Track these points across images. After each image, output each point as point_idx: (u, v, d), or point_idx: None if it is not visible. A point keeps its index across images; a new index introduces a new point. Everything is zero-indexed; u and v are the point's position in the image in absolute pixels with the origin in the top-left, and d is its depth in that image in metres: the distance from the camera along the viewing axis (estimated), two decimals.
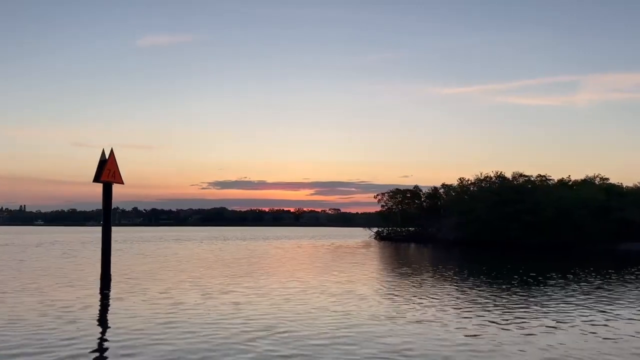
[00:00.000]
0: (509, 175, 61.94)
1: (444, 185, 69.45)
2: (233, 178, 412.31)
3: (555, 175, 62.37)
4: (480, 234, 52.10)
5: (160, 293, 16.81)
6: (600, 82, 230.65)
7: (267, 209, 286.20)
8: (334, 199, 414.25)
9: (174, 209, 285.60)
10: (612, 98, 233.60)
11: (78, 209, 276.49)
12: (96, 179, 19.61)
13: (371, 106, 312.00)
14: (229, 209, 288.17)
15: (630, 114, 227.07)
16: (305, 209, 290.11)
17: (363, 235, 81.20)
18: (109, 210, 20.10)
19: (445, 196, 65.91)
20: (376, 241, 68.97)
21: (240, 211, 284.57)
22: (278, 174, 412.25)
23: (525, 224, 50.32)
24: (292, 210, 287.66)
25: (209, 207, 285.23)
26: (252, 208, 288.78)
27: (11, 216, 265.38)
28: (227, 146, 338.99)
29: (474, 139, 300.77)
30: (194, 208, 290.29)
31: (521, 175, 61.89)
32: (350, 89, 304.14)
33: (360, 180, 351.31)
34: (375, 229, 76.74)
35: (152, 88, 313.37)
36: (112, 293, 16.98)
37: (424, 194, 69.53)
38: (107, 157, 19.94)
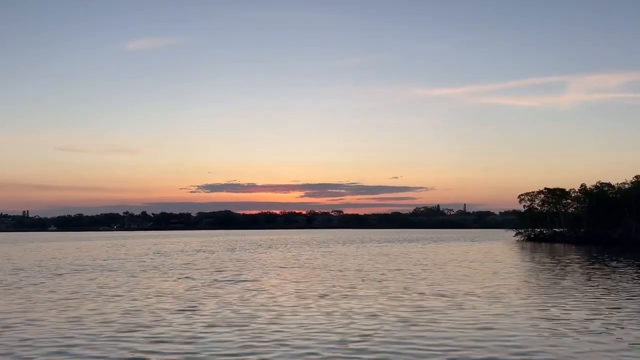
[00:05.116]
0: None
1: (596, 187, 69.25)
2: (222, 181, 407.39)
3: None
4: None
5: None
6: (584, 83, 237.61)
7: (279, 212, 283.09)
8: (324, 200, 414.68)
9: (183, 212, 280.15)
10: (594, 99, 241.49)
11: (85, 214, 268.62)
12: None
13: (359, 108, 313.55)
14: (233, 212, 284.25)
15: (614, 114, 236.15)
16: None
17: (493, 237, 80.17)
18: None
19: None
20: (527, 243, 68.09)
21: (251, 214, 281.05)
22: (267, 176, 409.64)
23: None
24: (304, 212, 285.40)
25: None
26: (263, 211, 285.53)
27: (17, 222, 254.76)
28: (215, 149, 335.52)
29: (460, 140, 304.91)
30: (194, 212, 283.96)
31: None
32: (337, 92, 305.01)
33: (349, 182, 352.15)
34: (515, 231, 75.99)
35: (140, 92, 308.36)
36: None
37: (587, 192, 68.51)
38: None
